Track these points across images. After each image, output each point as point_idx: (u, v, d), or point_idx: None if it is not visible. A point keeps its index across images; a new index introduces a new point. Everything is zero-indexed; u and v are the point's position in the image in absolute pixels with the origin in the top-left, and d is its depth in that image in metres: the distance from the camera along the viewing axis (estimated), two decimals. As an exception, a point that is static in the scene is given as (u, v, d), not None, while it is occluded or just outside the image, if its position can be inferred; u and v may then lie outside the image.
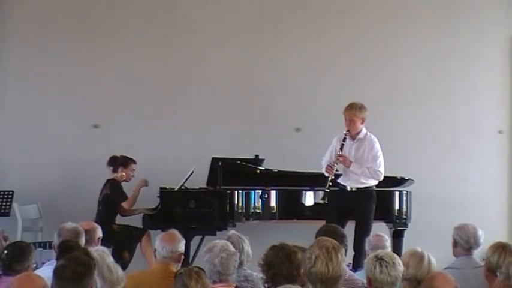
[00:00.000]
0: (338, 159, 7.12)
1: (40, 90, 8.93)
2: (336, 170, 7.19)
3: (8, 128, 8.92)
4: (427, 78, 9.14)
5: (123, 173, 7.94)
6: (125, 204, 7.80)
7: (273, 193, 7.78)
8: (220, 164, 7.81)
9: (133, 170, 7.99)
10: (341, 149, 7.13)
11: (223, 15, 9.07)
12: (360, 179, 7.17)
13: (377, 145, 7.21)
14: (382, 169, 7.17)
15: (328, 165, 7.17)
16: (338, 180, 7.24)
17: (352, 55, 9.09)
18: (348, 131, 7.15)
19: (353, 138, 7.20)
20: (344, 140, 7.15)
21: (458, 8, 9.18)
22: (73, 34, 8.91)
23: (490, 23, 9.23)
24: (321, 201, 7.21)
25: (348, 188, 7.21)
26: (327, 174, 7.14)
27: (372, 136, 7.26)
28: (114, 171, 7.97)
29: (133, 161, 8.01)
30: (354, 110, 7.13)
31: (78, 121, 8.90)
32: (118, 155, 8.02)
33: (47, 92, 8.92)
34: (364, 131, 7.24)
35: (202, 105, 8.96)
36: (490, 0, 9.31)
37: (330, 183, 7.09)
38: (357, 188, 7.19)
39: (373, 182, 7.24)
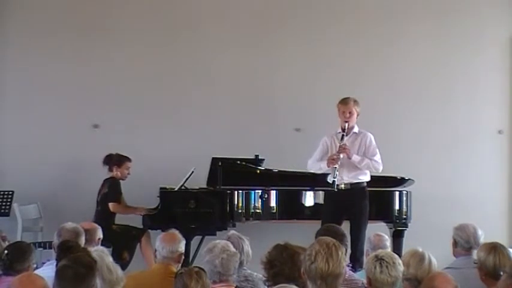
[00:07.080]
0: (341, 150, 7.01)
1: (40, 90, 8.93)
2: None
3: (8, 127, 8.92)
4: (427, 78, 9.13)
5: (118, 172, 7.95)
6: (111, 206, 7.76)
7: (273, 193, 7.77)
8: (220, 164, 7.80)
9: (128, 168, 7.98)
10: (342, 139, 7.06)
11: (224, 15, 9.07)
12: (357, 171, 7.08)
13: (373, 139, 7.19)
14: (381, 162, 7.16)
15: (330, 158, 7.03)
16: (327, 180, 7.16)
17: (352, 55, 9.08)
18: (346, 122, 7.06)
19: (347, 133, 7.13)
20: (344, 130, 7.05)
21: (458, 8, 9.17)
22: (73, 34, 8.91)
23: (490, 23, 9.22)
24: (334, 189, 6.95)
25: (341, 187, 7.11)
26: (331, 166, 6.98)
27: (367, 132, 7.25)
28: (110, 170, 7.99)
29: (128, 159, 8.00)
30: (352, 102, 7.13)
31: (78, 121, 8.90)
32: (113, 153, 8.02)
33: (47, 92, 8.91)
34: (357, 126, 7.23)
35: (202, 105, 8.95)
36: (490, 0, 9.31)
37: (337, 172, 6.94)
38: (350, 185, 7.13)
39: (366, 178, 7.19)
